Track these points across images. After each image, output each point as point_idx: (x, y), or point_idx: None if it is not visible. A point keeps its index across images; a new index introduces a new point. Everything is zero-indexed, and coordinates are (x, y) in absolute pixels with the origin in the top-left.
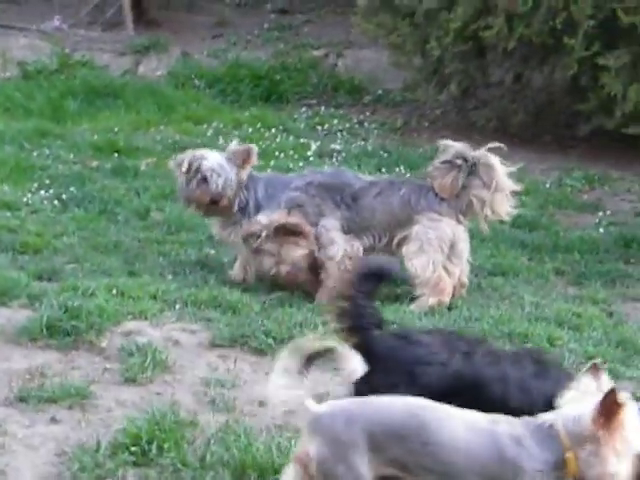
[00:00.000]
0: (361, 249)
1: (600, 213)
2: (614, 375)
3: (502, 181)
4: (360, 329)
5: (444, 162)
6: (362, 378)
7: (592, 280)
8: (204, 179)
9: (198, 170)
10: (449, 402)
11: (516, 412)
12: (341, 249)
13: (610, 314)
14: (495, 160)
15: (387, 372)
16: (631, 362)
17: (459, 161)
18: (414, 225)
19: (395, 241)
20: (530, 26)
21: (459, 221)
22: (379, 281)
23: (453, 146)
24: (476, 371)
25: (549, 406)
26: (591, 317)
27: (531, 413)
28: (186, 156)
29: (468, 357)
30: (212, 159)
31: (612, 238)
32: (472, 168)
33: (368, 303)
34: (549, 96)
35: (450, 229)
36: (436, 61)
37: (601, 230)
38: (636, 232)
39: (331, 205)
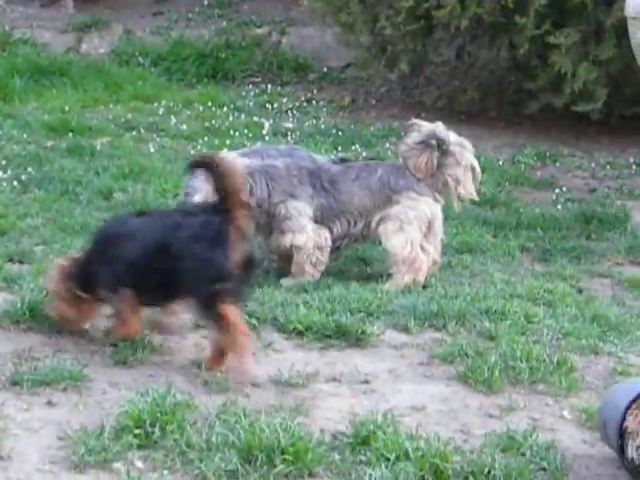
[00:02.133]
0: (330, 239)
1: (556, 190)
2: (593, 351)
3: (473, 160)
4: None
5: (418, 142)
6: None
7: (557, 257)
8: None
9: None
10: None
11: None
12: (311, 240)
13: (580, 290)
14: (464, 140)
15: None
16: (607, 338)
17: (433, 141)
18: (393, 205)
19: (373, 224)
20: (482, 5)
21: (436, 200)
22: None
23: (425, 126)
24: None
25: None
26: (563, 293)
27: None
28: None
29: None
30: None
31: (572, 214)
32: (445, 147)
33: None
34: (496, 74)
35: (428, 208)
36: (385, 40)
37: (559, 207)
38: (594, 208)
39: (309, 190)
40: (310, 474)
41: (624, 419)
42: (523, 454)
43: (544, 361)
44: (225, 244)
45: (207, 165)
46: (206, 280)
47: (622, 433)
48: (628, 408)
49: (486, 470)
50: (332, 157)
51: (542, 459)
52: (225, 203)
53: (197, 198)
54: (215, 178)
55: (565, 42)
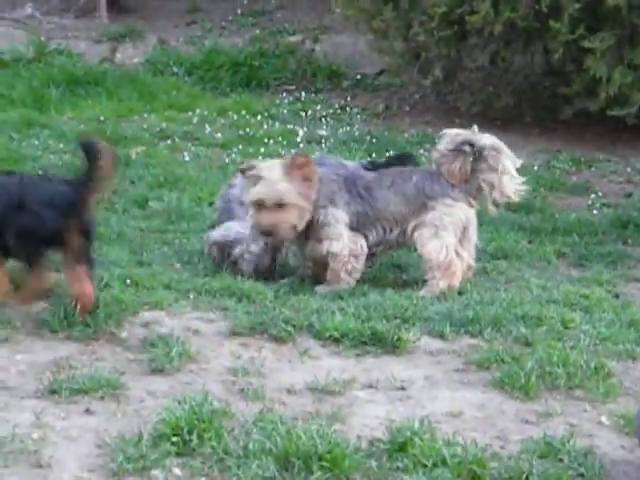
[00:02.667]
0: (365, 246)
1: (592, 195)
2: (630, 356)
3: (508, 164)
4: None
5: (451, 150)
6: None
7: (594, 262)
8: None
9: None
10: None
11: None
12: (347, 247)
13: (616, 295)
14: (501, 143)
15: None
16: None
17: (466, 147)
18: (429, 212)
19: (408, 230)
20: (516, 10)
21: (471, 205)
22: None
23: (458, 133)
24: None
25: None
26: (599, 299)
27: None
28: None
29: None
30: None
31: (608, 220)
32: (478, 153)
33: None
34: (531, 80)
35: (463, 213)
36: (418, 46)
37: (595, 212)
38: (630, 213)
39: (346, 196)
40: None
41: None
42: (561, 460)
43: (581, 366)
44: (64, 209)
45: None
46: (34, 237)
47: None
48: None
49: (524, 476)
50: (362, 162)
51: (580, 465)
52: (87, 179)
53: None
54: (89, 157)
55: (600, 46)
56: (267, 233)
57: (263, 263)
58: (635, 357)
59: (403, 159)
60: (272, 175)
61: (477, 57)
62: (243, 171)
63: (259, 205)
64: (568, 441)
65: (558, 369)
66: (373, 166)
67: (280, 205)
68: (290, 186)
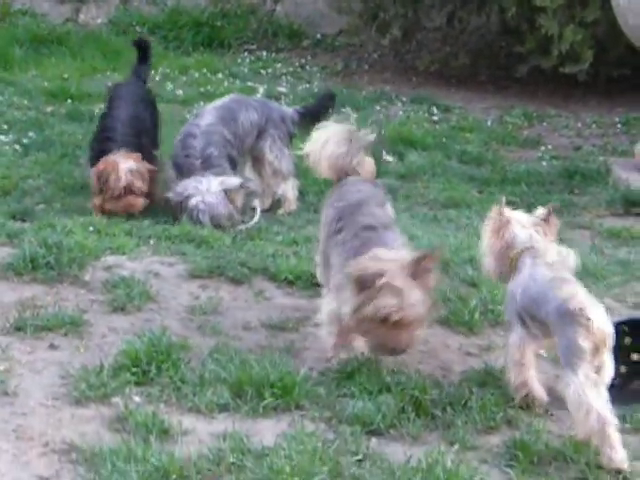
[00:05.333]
0: None
1: (542, 148)
2: None
3: None
4: None
5: None
6: None
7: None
8: None
9: None
10: None
11: None
12: None
13: (560, 240)
14: None
15: None
16: (584, 282)
17: None
18: None
19: None
20: None
21: None
22: None
23: None
24: None
25: None
26: None
27: None
28: None
29: None
30: None
31: (556, 171)
32: None
33: None
34: (487, 39)
35: None
36: (376, 6)
37: (544, 163)
38: (578, 164)
39: None
40: (297, 406)
41: None
42: (499, 387)
43: None
44: None
45: None
46: None
47: None
48: None
49: (463, 401)
50: (296, 108)
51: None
52: None
53: None
54: None
55: (551, 5)
56: (393, 353)
57: (218, 212)
58: None
59: (327, 98)
60: (399, 282)
61: (434, 17)
62: (360, 278)
63: (384, 320)
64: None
65: (500, 307)
66: (306, 110)
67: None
68: (422, 296)
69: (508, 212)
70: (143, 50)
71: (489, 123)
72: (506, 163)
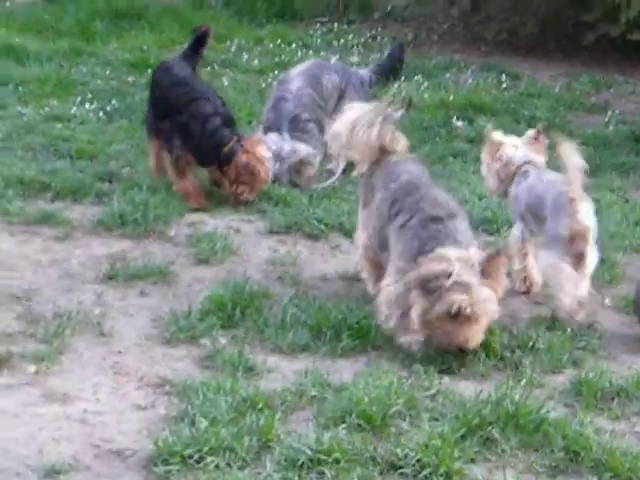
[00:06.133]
0: None
1: (609, 113)
2: (635, 250)
3: None
4: None
5: None
6: None
7: (607, 171)
8: None
9: None
10: None
11: None
12: None
13: (626, 200)
14: None
15: None
16: None
17: None
18: None
19: None
20: None
21: None
22: None
23: None
24: None
25: None
26: (609, 202)
27: None
28: None
29: None
30: None
31: (622, 134)
32: None
33: None
34: (555, 8)
35: None
36: None
37: (611, 128)
38: None
39: None
40: (373, 347)
41: None
42: (565, 331)
43: None
44: None
45: None
46: None
47: None
48: None
49: (531, 343)
50: (370, 67)
51: (583, 337)
52: None
53: None
54: None
55: None
56: (462, 349)
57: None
58: (639, 251)
59: (397, 53)
60: (468, 279)
61: None
62: (428, 281)
63: (455, 316)
64: (573, 317)
65: None
66: (380, 69)
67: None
68: (491, 294)
69: (499, 136)
70: (201, 39)
71: (557, 90)
72: (573, 127)
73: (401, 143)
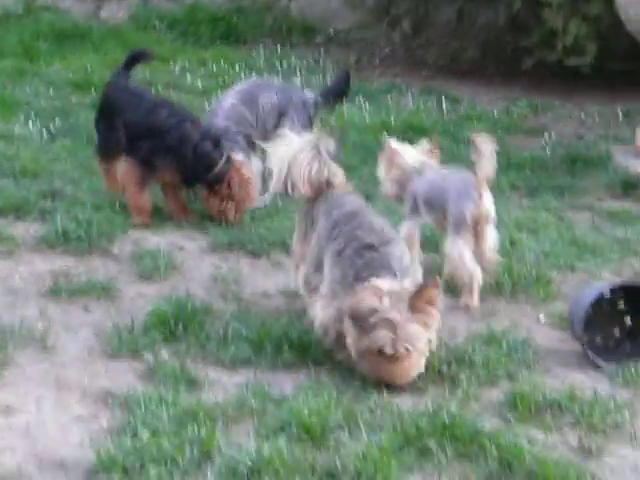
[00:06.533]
0: None
1: (546, 136)
2: (570, 268)
3: None
4: None
5: None
6: None
7: (544, 192)
8: None
9: None
10: None
11: None
12: None
13: (562, 219)
14: None
15: None
16: (583, 257)
17: None
18: None
19: None
20: None
21: None
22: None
23: None
24: None
25: None
26: (546, 222)
27: None
28: None
29: None
30: None
31: (559, 157)
32: None
33: None
34: (495, 34)
35: None
36: (388, 1)
37: (548, 151)
38: (580, 151)
39: None
40: (314, 361)
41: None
42: (501, 346)
43: (525, 276)
44: None
45: None
46: None
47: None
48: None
49: (467, 357)
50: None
51: (518, 352)
52: None
53: None
54: None
55: (556, 0)
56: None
57: None
58: (574, 268)
59: (344, 79)
60: (394, 316)
61: (444, 12)
62: (357, 314)
63: (380, 353)
64: (508, 333)
65: (504, 277)
66: (326, 92)
67: (408, 351)
68: (420, 330)
69: (396, 144)
70: (136, 59)
71: (495, 113)
72: (511, 150)
73: (339, 176)
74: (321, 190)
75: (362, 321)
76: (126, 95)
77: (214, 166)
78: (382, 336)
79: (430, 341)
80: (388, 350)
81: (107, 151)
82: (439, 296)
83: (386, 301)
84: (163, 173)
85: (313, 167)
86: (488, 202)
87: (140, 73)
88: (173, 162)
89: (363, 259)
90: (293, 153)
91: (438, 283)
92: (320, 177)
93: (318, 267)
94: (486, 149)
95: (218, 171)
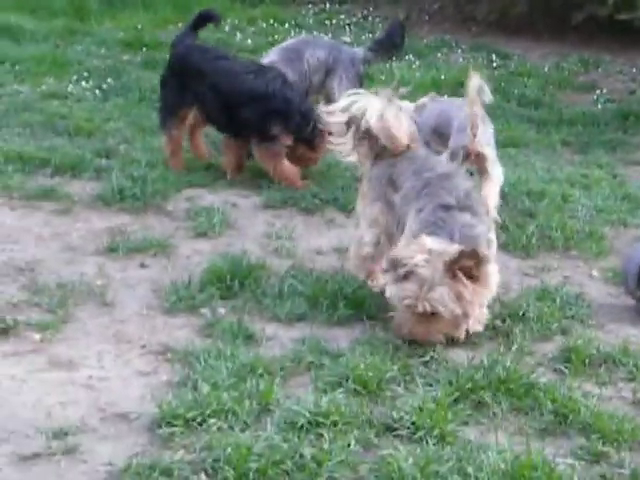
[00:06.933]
0: None
1: (597, 92)
2: (622, 223)
3: None
4: None
5: None
6: None
7: (595, 148)
8: None
9: None
10: None
11: None
12: None
13: (614, 176)
14: None
15: None
16: (636, 213)
17: None
18: None
19: None
20: None
21: None
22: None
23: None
24: None
25: None
26: (598, 178)
27: None
28: None
29: None
30: None
31: (610, 112)
32: None
33: None
34: None
35: None
36: None
37: (599, 106)
38: (631, 107)
39: None
40: (369, 317)
41: None
42: (554, 301)
43: (577, 231)
44: None
45: None
46: None
47: None
48: None
49: (521, 312)
50: (365, 46)
51: (571, 306)
52: None
53: None
54: None
55: None
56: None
57: None
58: (626, 224)
59: (396, 29)
60: (427, 273)
61: None
62: (390, 261)
63: (408, 307)
64: (562, 288)
65: (556, 233)
66: (376, 45)
67: (433, 314)
68: (449, 291)
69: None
70: (204, 21)
71: (546, 69)
72: (562, 106)
73: (417, 135)
74: (407, 147)
75: (394, 270)
76: (210, 58)
77: (314, 120)
78: (407, 288)
79: (466, 315)
80: (408, 303)
81: (177, 114)
82: (481, 270)
83: (422, 257)
84: (283, 140)
85: (403, 121)
86: (483, 139)
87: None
88: (286, 126)
89: (434, 217)
90: (374, 107)
91: (479, 254)
92: (413, 132)
93: (399, 225)
94: (475, 85)
95: (320, 128)
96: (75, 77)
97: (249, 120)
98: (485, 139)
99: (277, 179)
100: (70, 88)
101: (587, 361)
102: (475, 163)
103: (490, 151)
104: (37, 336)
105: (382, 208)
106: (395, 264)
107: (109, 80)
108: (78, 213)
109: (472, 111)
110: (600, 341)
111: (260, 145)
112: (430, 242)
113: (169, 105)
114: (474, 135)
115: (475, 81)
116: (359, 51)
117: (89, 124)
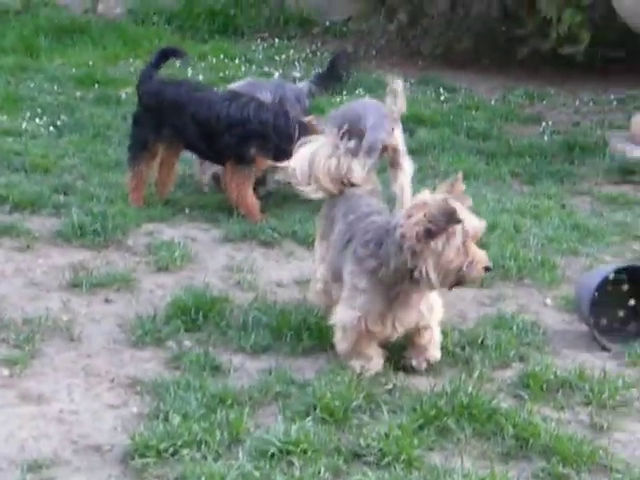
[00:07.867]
0: None
1: (543, 124)
2: (573, 252)
3: None
4: None
5: None
6: None
7: (544, 179)
8: None
9: None
10: None
11: None
12: None
13: (562, 206)
14: None
15: None
16: (586, 242)
17: None
18: None
19: None
20: None
21: None
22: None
23: None
24: None
25: None
26: (547, 208)
27: None
28: None
29: None
30: None
31: (556, 144)
32: None
33: None
34: (489, 24)
35: None
36: None
37: (546, 138)
38: (577, 138)
39: None
40: (332, 347)
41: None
42: (511, 329)
43: (530, 260)
44: None
45: None
46: None
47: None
48: (598, 288)
49: (479, 340)
50: (309, 81)
51: (527, 334)
52: None
53: None
54: None
55: None
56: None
57: None
58: (577, 253)
59: (339, 60)
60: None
61: (438, 4)
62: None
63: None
64: (517, 316)
65: (510, 262)
66: (319, 77)
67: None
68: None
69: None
70: (167, 58)
71: (493, 102)
72: (510, 137)
73: (358, 173)
74: (341, 187)
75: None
76: (186, 91)
77: (293, 136)
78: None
79: None
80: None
81: (150, 149)
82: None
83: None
84: (259, 163)
85: (333, 162)
86: (398, 136)
87: (141, 67)
88: (263, 147)
89: (366, 225)
90: (314, 150)
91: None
92: (339, 173)
93: (335, 276)
94: (398, 87)
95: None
96: (28, 114)
97: (228, 145)
98: (400, 138)
99: (237, 205)
100: (24, 125)
101: (545, 386)
102: (391, 156)
103: (402, 145)
104: (6, 371)
105: (327, 246)
106: (437, 218)
107: (63, 117)
108: (39, 249)
109: (393, 109)
110: (557, 367)
111: (234, 167)
112: (422, 196)
113: (141, 140)
114: (392, 130)
115: (398, 84)
116: (304, 86)
117: (45, 160)
